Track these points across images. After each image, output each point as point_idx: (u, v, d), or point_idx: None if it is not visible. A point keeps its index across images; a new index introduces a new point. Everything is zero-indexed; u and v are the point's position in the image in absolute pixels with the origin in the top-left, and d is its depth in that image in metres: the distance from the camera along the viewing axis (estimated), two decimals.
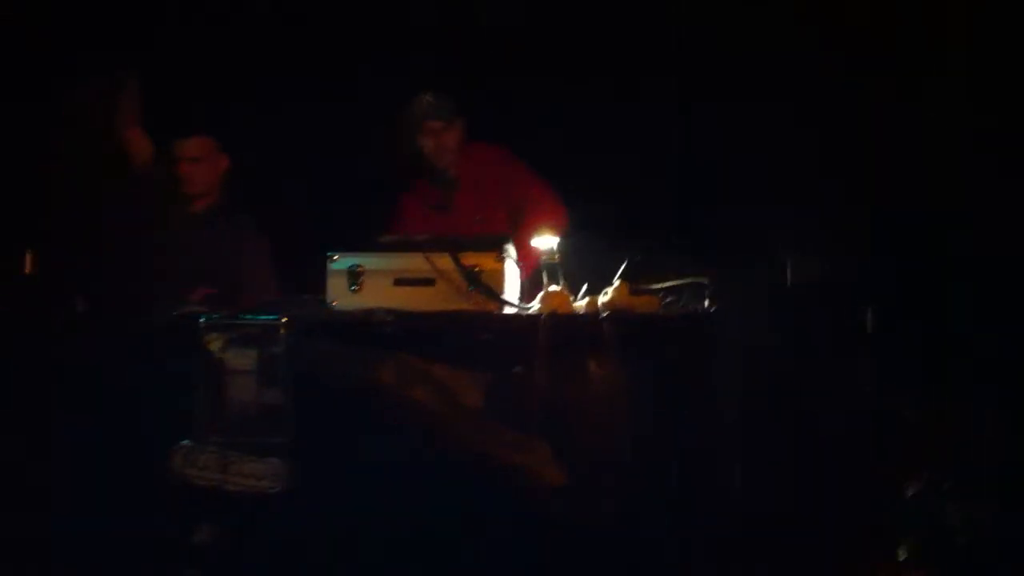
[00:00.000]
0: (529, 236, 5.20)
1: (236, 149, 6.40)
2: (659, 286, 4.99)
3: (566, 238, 5.12)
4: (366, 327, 4.85)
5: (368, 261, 5.03)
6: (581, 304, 5.00)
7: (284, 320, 4.85)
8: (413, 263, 4.99)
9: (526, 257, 5.25)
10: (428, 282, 4.98)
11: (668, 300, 4.97)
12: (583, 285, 5.07)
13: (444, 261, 4.97)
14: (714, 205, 6.81)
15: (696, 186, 6.89)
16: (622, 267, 4.97)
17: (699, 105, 6.92)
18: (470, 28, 7.02)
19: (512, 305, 4.97)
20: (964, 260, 6.22)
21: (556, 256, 5.03)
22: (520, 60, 6.99)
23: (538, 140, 6.76)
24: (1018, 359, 5.79)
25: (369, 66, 7.03)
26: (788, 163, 6.68)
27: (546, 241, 5.06)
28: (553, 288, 4.98)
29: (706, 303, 4.89)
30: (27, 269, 5.40)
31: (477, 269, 4.95)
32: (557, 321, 4.82)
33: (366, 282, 5.01)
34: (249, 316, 4.89)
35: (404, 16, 7.05)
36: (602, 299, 4.95)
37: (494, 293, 4.94)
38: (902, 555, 5.30)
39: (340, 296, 5.00)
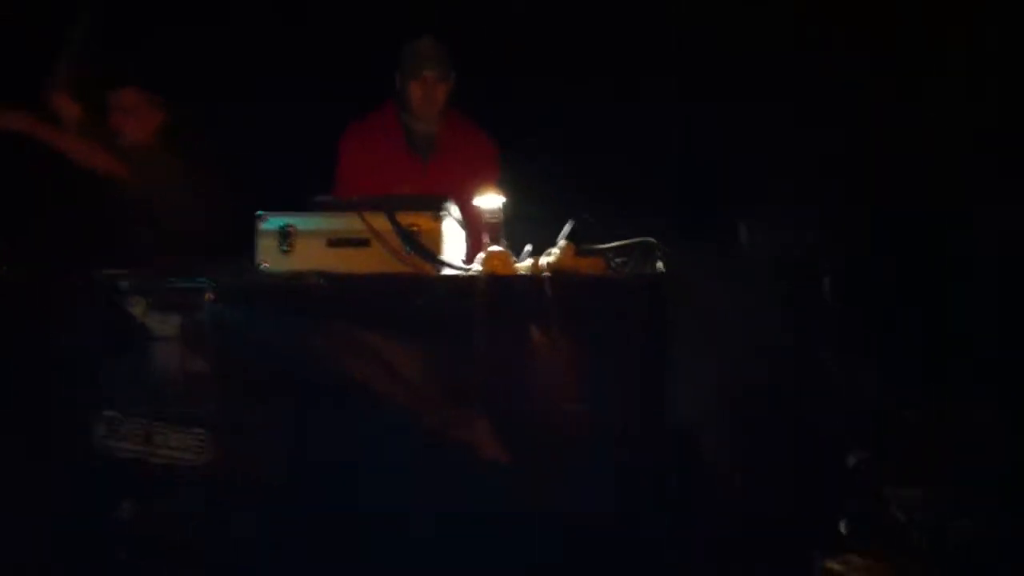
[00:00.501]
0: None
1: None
2: (607, 246, 4.34)
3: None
4: (297, 290, 4.23)
5: (300, 221, 4.36)
6: (524, 265, 4.37)
7: (210, 284, 4.22)
8: (348, 223, 4.34)
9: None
10: (363, 243, 4.32)
11: (618, 261, 4.32)
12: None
13: (380, 221, 4.31)
14: (714, 205, 6.19)
15: (696, 186, 6.30)
16: (567, 227, 4.34)
17: (699, 105, 6.30)
18: (470, 27, 6.28)
19: (450, 267, 4.31)
20: (964, 260, 5.66)
21: (500, 216, 4.39)
22: (520, 60, 6.38)
23: (538, 140, 6.21)
24: (1018, 359, 5.27)
25: (366, 65, 6.26)
26: (788, 163, 6.08)
27: (490, 200, 4.42)
28: (494, 248, 4.33)
29: (658, 264, 4.26)
30: None
31: (414, 229, 4.29)
32: (496, 283, 4.19)
33: (298, 243, 4.34)
34: (173, 279, 4.26)
35: (403, 14, 6.34)
36: (546, 260, 4.29)
37: (431, 254, 4.28)
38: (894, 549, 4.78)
39: (270, 258, 4.34)
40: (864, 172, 5.96)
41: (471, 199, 4.60)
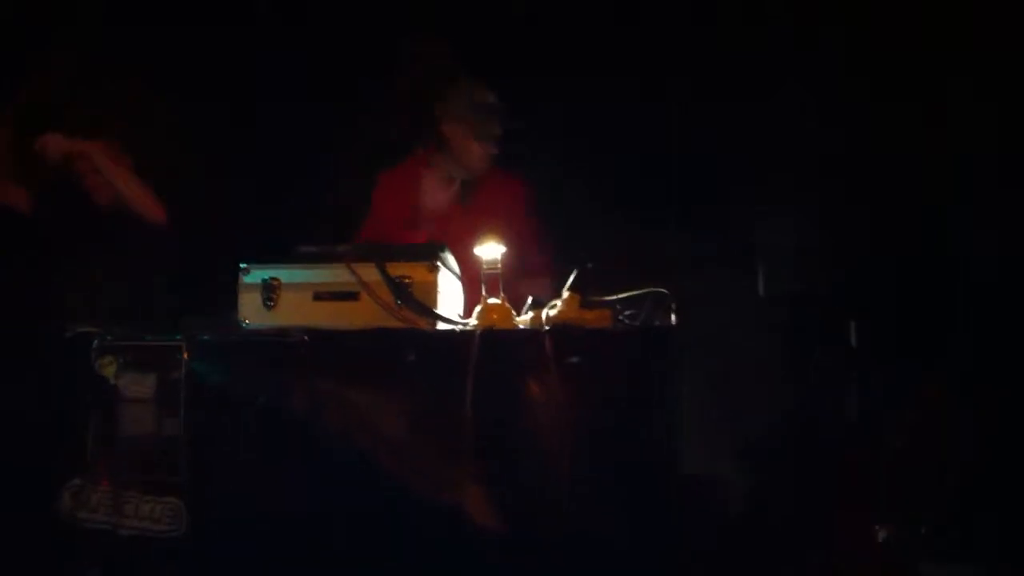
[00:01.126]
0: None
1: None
2: (615, 298, 3.70)
3: None
4: (280, 348, 3.63)
5: (285, 274, 3.77)
6: (525, 319, 3.75)
7: (186, 342, 3.64)
8: (335, 275, 3.74)
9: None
10: (352, 296, 3.72)
11: (627, 313, 3.69)
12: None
13: (370, 272, 3.71)
14: (713, 205, 5.70)
15: (696, 186, 5.74)
16: (571, 277, 3.70)
17: (699, 105, 5.72)
18: (468, 28, 5.70)
19: (445, 321, 3.70)
20: (964, 260, 5.20)
21: (499, 266, 3.75)
22: (519, 60, 5.74)
23: (537, 140, 5.57)
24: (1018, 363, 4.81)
25: (362, 66, 5.78)
26: (787, 163, 5.63)
27: (490, 250, 3.77)
28: (492, 301, 3.71)
29: (672, 316, 3.66)
30: None
31: (407, 281, 3.69)
32: (492, 337, 3.57)
33: (282, 297, 3.75)
34: (147, 337, 3.69)
35: (402, 15, 5.81)
36: (548, 313, 3.67)
37: (425, 308, 3.67)
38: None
39: (253, 313, 3.75)
40: (864, 172, 5.48)
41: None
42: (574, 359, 3.48)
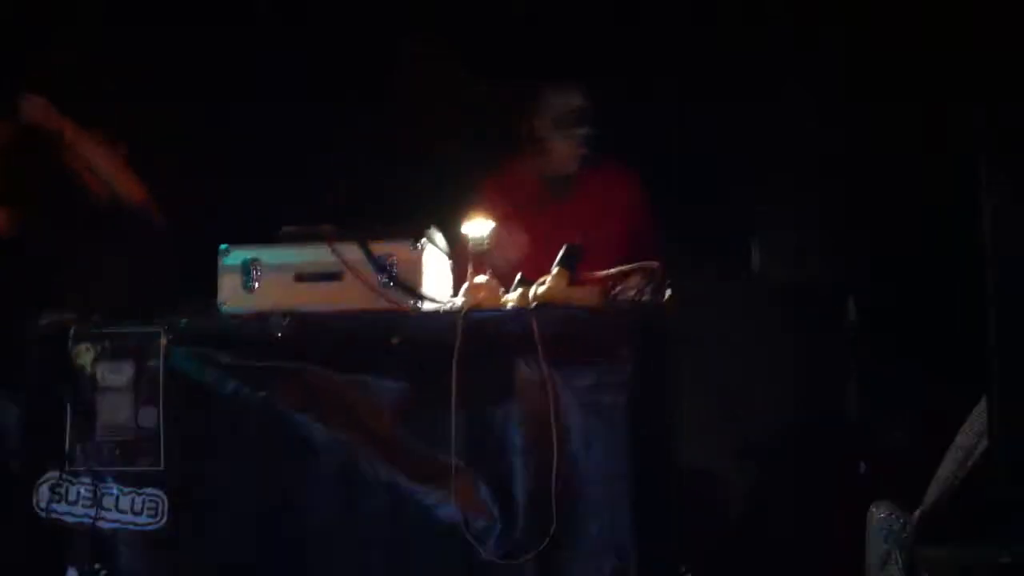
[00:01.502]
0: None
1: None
2: (604, 273, 3.47)
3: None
4: (260, 332, 3.41)
5: (265, 255, 3.52)
6: (513, 297, 3.49)
7: (164, 328, 3.42)
8: (318, 256, 3.50)
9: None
10: (334, 277, 3.48)
11: (617, 289, 3.44)
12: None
13: (353, 252, 3.47)
14: (713, 205, 5.48)
15: (696, 186, 5.50)
16: (561, 253, 3.47)
17: (699, 105, 5.49)
18: (468, 28, 5.61)
19: (431, 300, 3.46)
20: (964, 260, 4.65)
21: (486, 243, 3.53)
22: (519, 60, 5.54)
23: None
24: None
25: (362, 67, 5.61)
26: (787, 163, 5.43)
27: (477, 227, 3.56)
28: (479, 279, 3.49)
29: (665, 292, 3.44)
30: None
31: (391, 260, 3.45)
32: (478, 317, 3.35)
33: (263, 279, 3.50)
34: (124, 324, 3.47)
35: (402, 15, 5.63)
36: (536, 290, 3.42)
37: (410, 288, 3.43)
38: None
39: (232, 296, 3.50)
40: (863, 171, 5.28)
41: (611, 240, 4.02)
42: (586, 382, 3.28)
